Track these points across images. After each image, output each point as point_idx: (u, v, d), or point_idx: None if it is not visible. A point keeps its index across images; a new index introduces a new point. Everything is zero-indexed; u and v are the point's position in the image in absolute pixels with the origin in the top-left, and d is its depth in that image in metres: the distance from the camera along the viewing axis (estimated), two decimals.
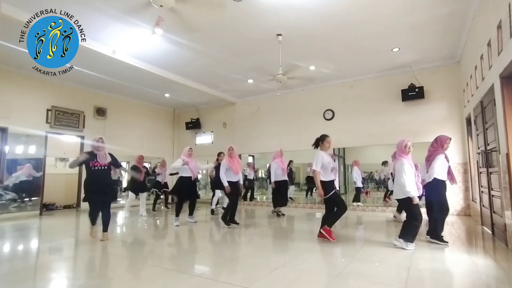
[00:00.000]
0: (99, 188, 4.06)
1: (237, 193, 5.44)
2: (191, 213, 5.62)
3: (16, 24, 4.18)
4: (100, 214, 4.19)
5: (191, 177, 5.43)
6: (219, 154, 6.62)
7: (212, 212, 6.92)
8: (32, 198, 7.15)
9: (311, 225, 5.40)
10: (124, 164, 10.49)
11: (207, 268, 3.10)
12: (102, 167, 4.12)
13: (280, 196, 6.43)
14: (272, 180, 6.39)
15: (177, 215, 5.37)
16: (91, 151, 4.16)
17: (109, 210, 4.25)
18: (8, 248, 3.97)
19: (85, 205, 7.41)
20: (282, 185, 6.35)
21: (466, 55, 5.64)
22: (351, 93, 7.71)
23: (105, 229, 4.17)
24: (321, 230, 3.90)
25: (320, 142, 4.06)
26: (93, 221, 4.21)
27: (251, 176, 9.10)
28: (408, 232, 3.48)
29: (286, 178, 6.39)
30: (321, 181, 3.83)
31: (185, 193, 5.50)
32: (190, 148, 5.65)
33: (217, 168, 6.55)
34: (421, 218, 3.46)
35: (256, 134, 9.14)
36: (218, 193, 7.01)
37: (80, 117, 7.94)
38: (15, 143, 6.86)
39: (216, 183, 6.46)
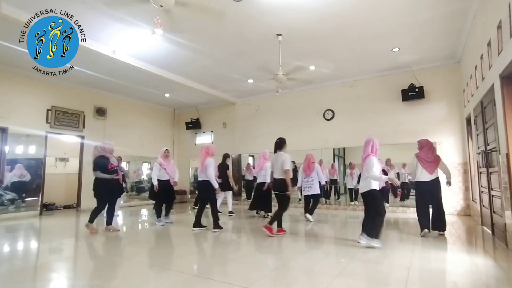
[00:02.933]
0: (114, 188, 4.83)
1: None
2: (167, 214, 5.55)
3: (16, 24, 4.18)
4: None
5: (169, 180, 5.41)
6: (225, 155, 6.63)
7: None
8: (28, 199, 7.04)
9: (310, 225, 5.39)
10: (124, 165, 10.58)
11: (207, 268, 3.09)
12: (115, 169, 4.79)
13: (260, 199, 6.25)
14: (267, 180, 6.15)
15: (159, 216, 5.41)
16: (103, 155, 4.64)
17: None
18: (8, 248, 3.97)
19: (85, 205, 7.48)
20: (256, 188, 6.24)
21: (466, 55, 5.64)
22: (351, 93, 7.71)
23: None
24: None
25: (284, 145, 4.52)
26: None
27: (249, 177, 9.06)
28: (373, 228, 3.58)
29: (262, 181, 6.19)
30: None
31: (162, 197, 5.44)
32: (167, 149, 5.59)
33: (220, 168, 6.48)
34: (384, 213, 3.64)
35: (256, 134, 9.14)
36: (223, 194, 6.96)
37: (80, 117, 7.94)
38: (15, 143, 6.85)
39: (222, 185, 6.39)
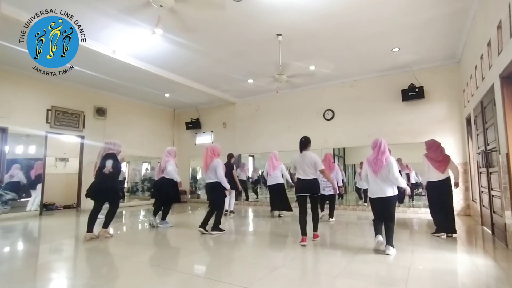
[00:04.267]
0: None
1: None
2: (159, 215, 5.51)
3: (16, 24, 4.17)
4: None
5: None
6: (230, 155, 6.62)
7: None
8: (20, 200, 6.98)
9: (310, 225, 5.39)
10: (124, 165, 10.56)
11: (207, 268, 3.10)
12: None
13: (273, 199, 6.33)
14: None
15: (165, 217, 5.34)
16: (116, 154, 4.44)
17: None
18: (8, 248, 3.97)
19: (85, 205, 7.47)
20: (271, 189, 6.28)
21: (466, 55, 5.64)
22: (351, 93, 7.71)
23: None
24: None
25: (309, 144, 4.28)
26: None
27: (243, 177, 9.08)
28: (392, 236, 3.36)
29: (274, 182, 6.16)
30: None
31: (176, 196, 5.47)
32: (175, 149, 5.66)
33: (226, 168, 6.43)
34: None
35: (256, 134, 9.14)
36: (233, 193, 6.92)
37: (80, 117, 7.93)
38: (15, 143, 6.84)
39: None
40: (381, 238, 3.37)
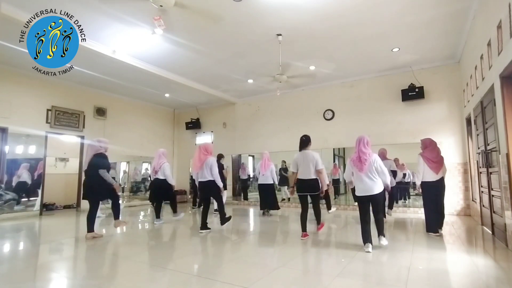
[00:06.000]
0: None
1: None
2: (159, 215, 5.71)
3: (16, 24, 4.17)
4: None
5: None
6: (219, 156, 6.68)
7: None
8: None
9: (310, 225, 5.39)
10: (124, 165, 10.57)
11: (207, 268, 3.09)
12: None
13: (262, 198, 6.55)
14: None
15: (159, 215, 5.61)
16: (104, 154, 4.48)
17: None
18: (8, 248, 3.97)
19: (84, 205, 7.46)
20: (261, 189, 6.46)
21: (466, 55, 5.64)
22: (351, 93, 7.71)
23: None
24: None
25: (309, 143, 4.36)
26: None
27: (244, 176, 9.13)
28: (383, 227, 3.54)
29: (266, 182, 6.35)
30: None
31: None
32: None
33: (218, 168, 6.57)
34: None
35: (256, 134, 9.14)
36: (226, 193, 6.99)
37: (80, 117, 7.93)
38: (15, 143, 6.84)
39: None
40: (370, 247, 3.37)
